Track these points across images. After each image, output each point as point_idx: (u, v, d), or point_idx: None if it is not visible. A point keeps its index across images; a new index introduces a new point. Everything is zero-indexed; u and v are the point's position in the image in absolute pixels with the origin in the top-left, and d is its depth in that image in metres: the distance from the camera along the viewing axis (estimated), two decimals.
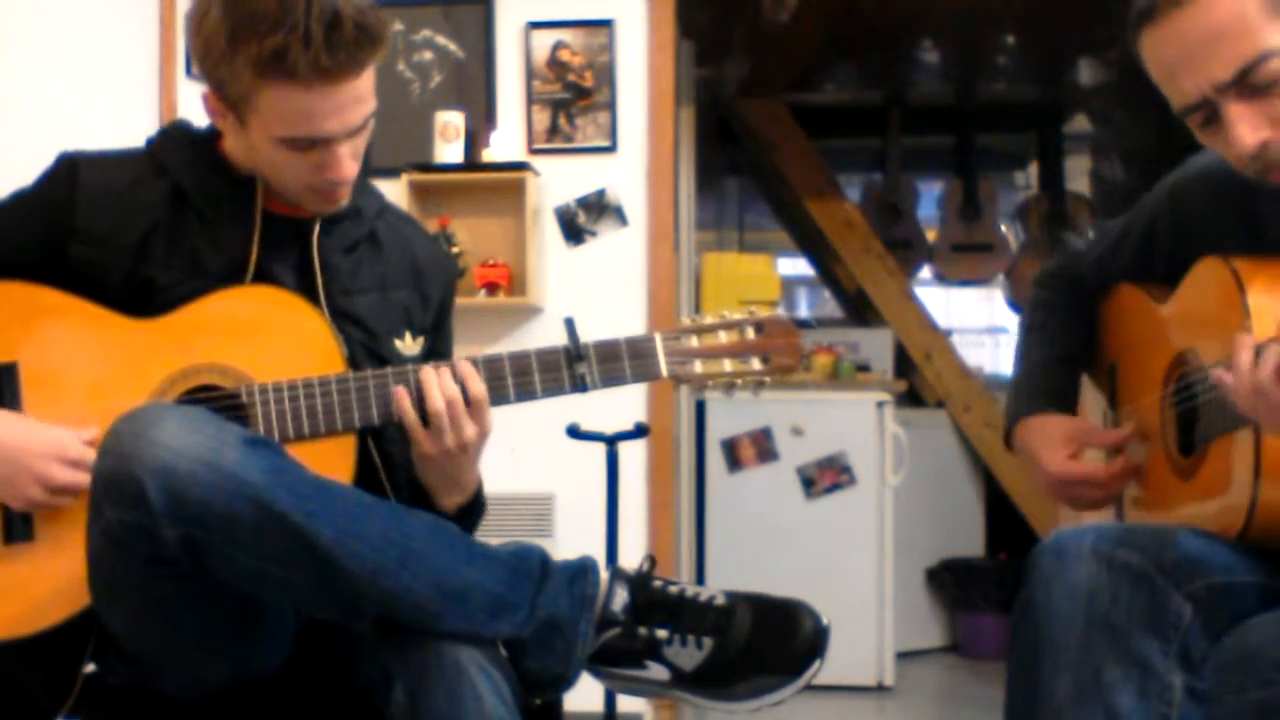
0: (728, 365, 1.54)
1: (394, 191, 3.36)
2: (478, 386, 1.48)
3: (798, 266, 6.83)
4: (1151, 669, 1.26)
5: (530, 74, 3.57)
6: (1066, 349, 1.75)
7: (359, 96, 1.46)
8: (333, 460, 1.46)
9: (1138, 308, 1.66)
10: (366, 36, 1.42)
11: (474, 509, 1.60)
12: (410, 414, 1.46)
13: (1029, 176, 6.75)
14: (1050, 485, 1.65)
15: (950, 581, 4.80)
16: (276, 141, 1.47)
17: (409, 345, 1.65)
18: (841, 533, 4.20)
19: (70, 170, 1.55)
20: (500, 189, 3.49)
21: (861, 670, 4.14)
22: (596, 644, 1.41)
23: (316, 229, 1.59)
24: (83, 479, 1.41)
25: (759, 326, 1.55)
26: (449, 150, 3.47)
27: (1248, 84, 1.31)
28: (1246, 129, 1.32)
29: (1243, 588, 1.33)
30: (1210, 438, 1.44)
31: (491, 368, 1.51)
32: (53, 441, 1.44)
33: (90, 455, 1.40)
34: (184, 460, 1.27)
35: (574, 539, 3.43)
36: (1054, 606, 1.31)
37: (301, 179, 1.51)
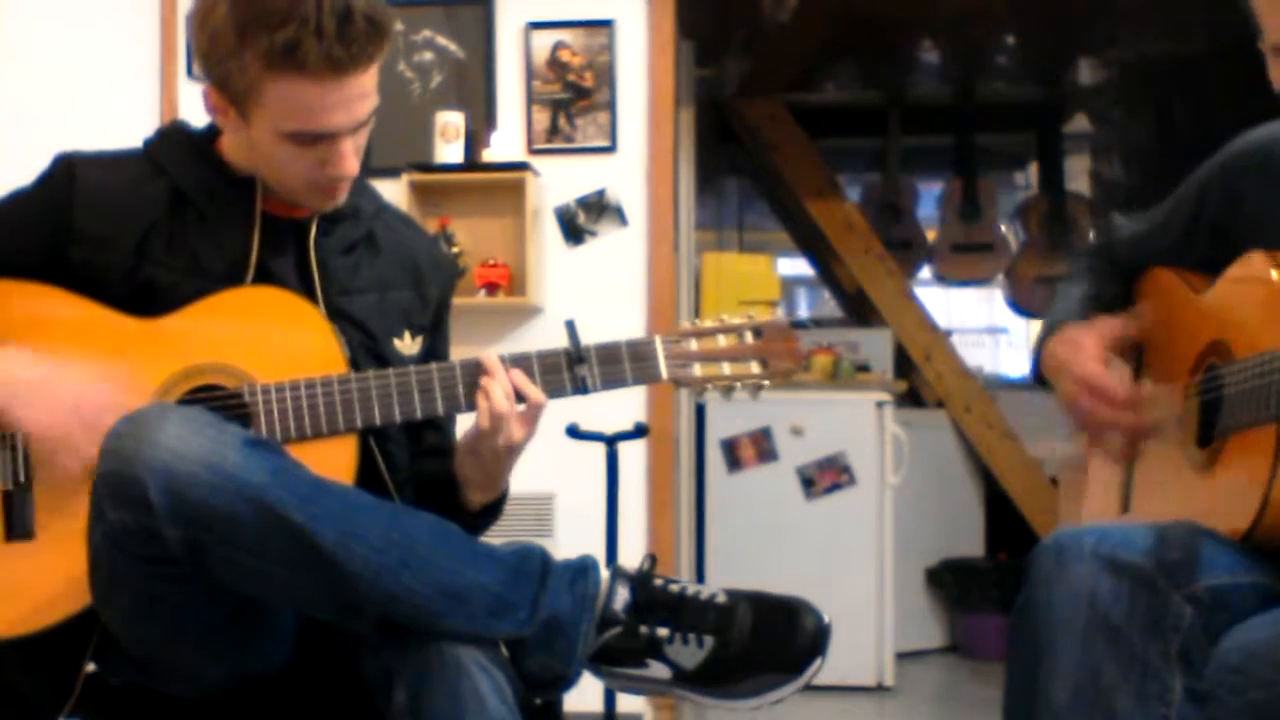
0: (727, 369, 1.55)
1: (394, 191, 3.36)
2: (536, 394, 1.50)
3: (798, 266, 6.83)
4: (1151, 670, 1.26)
5: (530, 74, 3.57)
6: (1103, 292, 1.73)
7: (365, 91, 1.47)
8: (334, 460, 1.46)
9: (1173, 292, 1.64)
10: (376, 29, 1.44)
11: (497, 507, 1.63)
12: (501, 404, 1.48)
13: (1029, 176, 6.76)
14: (1075, 387, 1.57)
15: (950, 581, 4.80)
16: (281, 136, 1.47)
17: (408, 345, 1.65)
18: (841, 533, 4.20)
19: (68, 171, 1.55)
20: (500, 189, 3.49)
21: (861, 670, 4.14)
22: (598, 643, 1.41)
23: (313, 230, 1.59)
24: None
25: (757, 331, 1.56)
26: (449, 150, 3.47)
27: None
28: None
29: (1244, 589, 1.33)
30: (1230, 431, 1.43)
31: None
32: (116, 399, 1.42)
33: None
34: (185, 462, 1.28)
35: (574, 539, 3.42)
36: (1053, 607, 1.31)
37: (304, 175, 1.52)
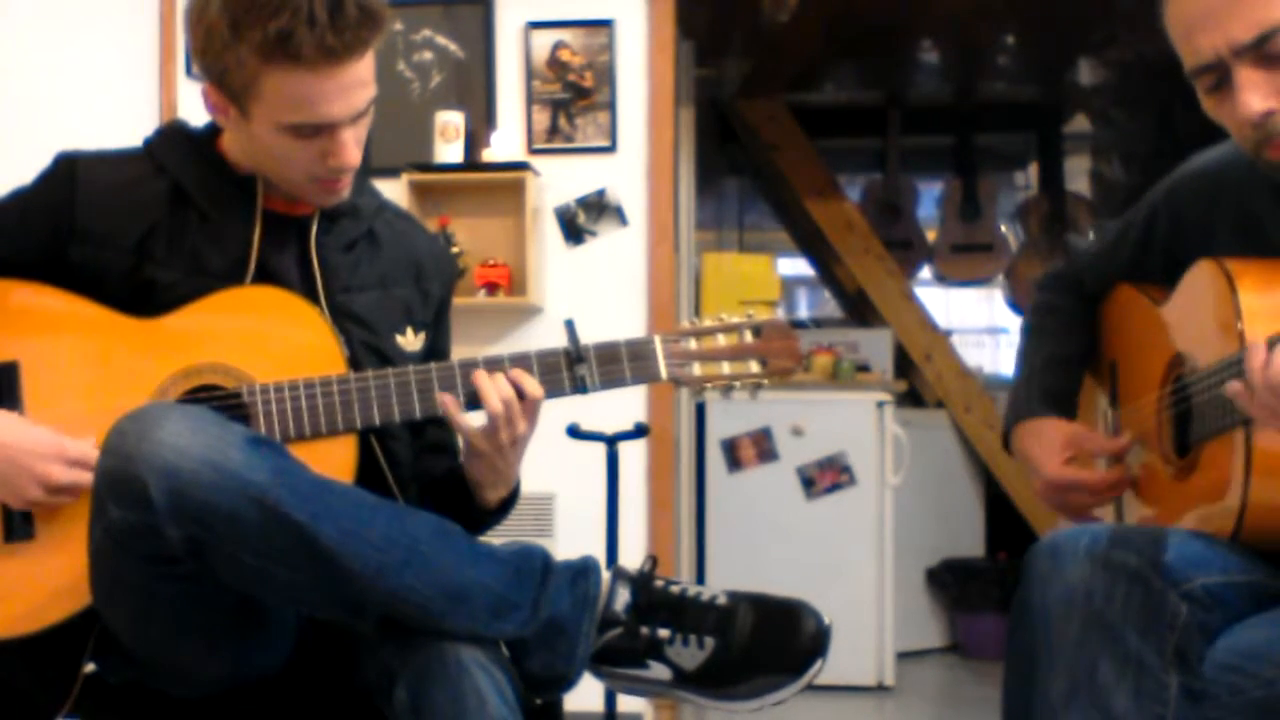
0: (726, 368, 1.55)
1: (394, 191, 3.36)
2: (534, 387, 1.50)
3: (798, 266, 6.83)
4: (1147, 669, 1.26)
5: (530, 74, 3.57)
6: (1067, 350, 1.76)
7: (362, 80, 1.47)
8: (334, 460, 1.46)
9: (1136, 308, 1.67)
10: (369, 16, 1.44)
11: (513, 500, 1.63)
12: (459, 418, 1.49)
13: (1029, 176, 6.75)
14: (1045, 489, 1.65)
15: (950, 581, 4.80)
16: (281, 130, 1.47)
17: (410, 341, 1.65)
18: (841, 533, 4.20)
19: (69, 170, 1.55)
20: (500, 189, 3.49)
21: (861, 670, 4.14)
22: (598, 644, 1.41)
23: (314, 228, 1.59)
24: (83, 478, 1.42)
25: (756, 330, 1.56)
26: (449, 150, 3.47)
27: (1264, 51, 1.31)
28: (1255, 96, 1.32)
29: (1238, 588, 1.33)
30: (1204, 439, 1.45)
31: (491, 369, 1.51)
32: (52, 442, 1.44)
33: (91, 453, 1.40)
34: (188, 460, 1.28)
35: (574, 539, 3.42)
36: (1049, 606, 1.31)
37: (305, 169, 1.51)
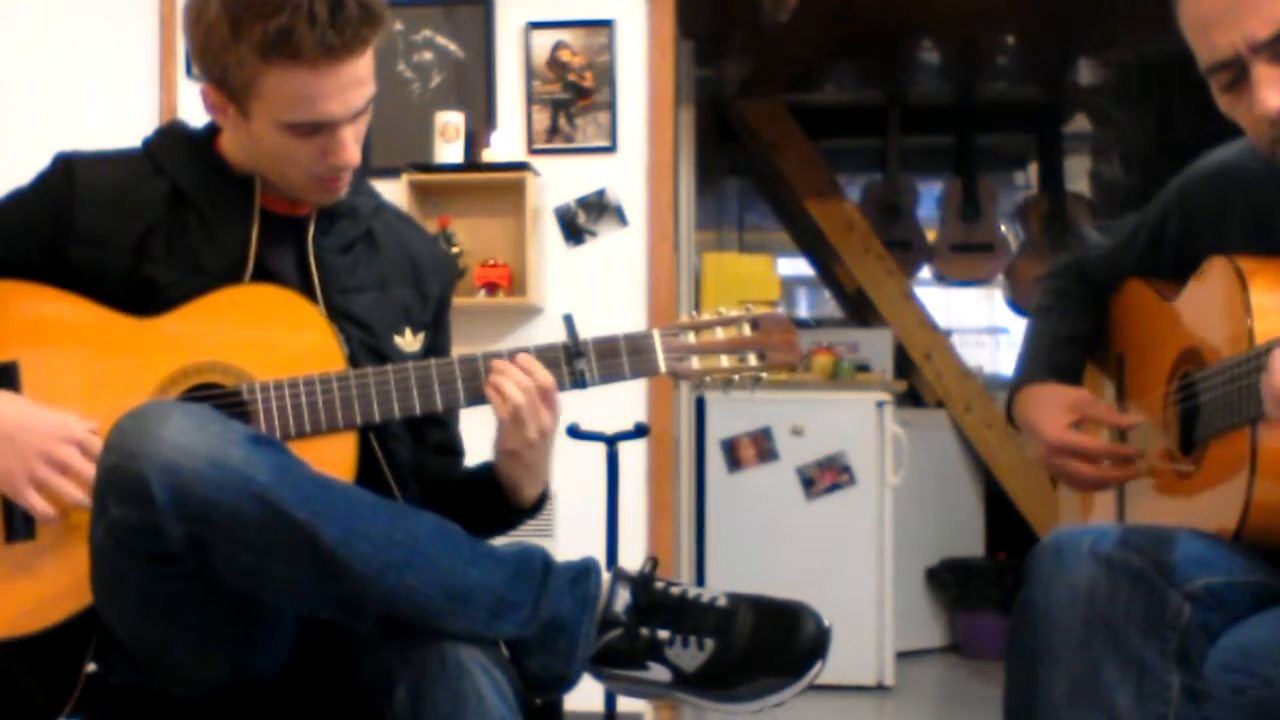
0: (725, 361, 1.56)
1: (394, 191, 3.36)
2: (544, 376, 1.50)
3: (798, 266, 6.83)
4: (1149, 669, 1.26)
5: (530, 74, 3.57)
6: (1074, 331, 1.76)
7: (360, 78, 1.47)
8: (334, 458, 1.46)
9: (1146, 303, 1.67)
10: (369, 14, 1.44)
11: (545, 498, 1.63)
12: (516, 396, 1.48)
13: (1029, 176, 6.75)
14: (1046, 453, 1.64)
15: (950, 581, 4.80)
16: (281, 128, 1.47)
17: (409, 342, 1.65)
18: (841, 533, 4.20)
19: (68, 170, 1.55)
20: (500, 189, 3.49)
21: (861, 670, 4.14)
22: (598, 645, 1.41)
23: (312, 229, 1.59)
24: (85, 465, 1.41)
25: (755, 323, 1.56)
26: (449, 150, 3.47)
27: None
28: (1273, 93, 1.31)
29: (1241, 587, 1.33)
30: (1209, 436, 1.45)
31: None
32: (58, 422, 1.44)
33: (95, 441, 1.40)
34: (189, 458, 1.28)
35: (574, 539, 3.42)
36: (1053, 606, 1.31)
37: (305, 168, 1.52)
